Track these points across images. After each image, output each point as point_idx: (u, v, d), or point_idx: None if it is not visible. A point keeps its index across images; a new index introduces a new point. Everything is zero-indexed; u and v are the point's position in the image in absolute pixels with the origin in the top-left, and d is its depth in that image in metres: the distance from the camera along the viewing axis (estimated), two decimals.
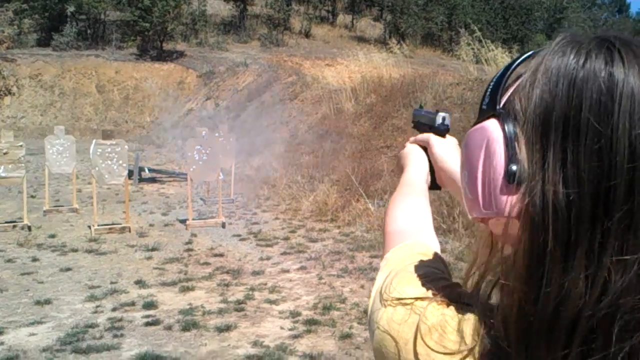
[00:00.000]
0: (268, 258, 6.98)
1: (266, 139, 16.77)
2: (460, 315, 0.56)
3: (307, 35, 30.03)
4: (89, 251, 7.33)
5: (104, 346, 4.34)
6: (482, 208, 0.53)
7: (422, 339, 0.56)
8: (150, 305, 5.28)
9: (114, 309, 5.21)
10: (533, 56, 0.55)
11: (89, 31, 27.93)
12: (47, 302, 5.39)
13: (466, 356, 0.54)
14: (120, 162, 8.55)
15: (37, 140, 20.10)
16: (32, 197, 10.92)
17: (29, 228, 8.53)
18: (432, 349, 0.55)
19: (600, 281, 0.46)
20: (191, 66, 27.03)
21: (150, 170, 13.73)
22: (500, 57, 14.34)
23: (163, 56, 26.92)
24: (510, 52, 16.21)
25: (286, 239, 7.98)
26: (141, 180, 13.32)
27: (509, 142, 0.51)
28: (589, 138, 0.47)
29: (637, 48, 0.50)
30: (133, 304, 5.35)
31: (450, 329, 0.56)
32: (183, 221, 9.14)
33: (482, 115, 0.55)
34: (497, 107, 0.54)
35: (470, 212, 0.57)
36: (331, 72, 22.54)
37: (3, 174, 8.51)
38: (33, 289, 5.81)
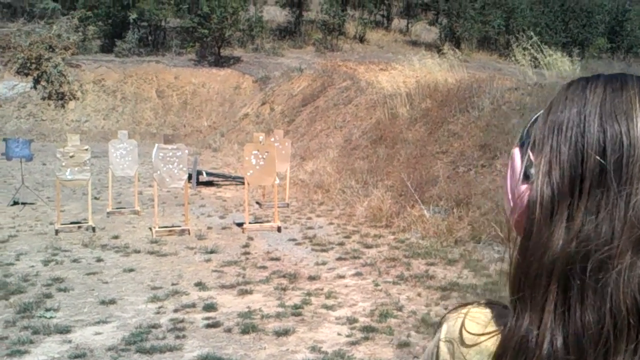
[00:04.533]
0: (324, 263, 7.02)
1: (320, 143, 16.86)
2: (492, 309, 0.72)
3: (362, 40, 30.04)
4: (151, 252, 7.55)
5: (166, 347, 4.47)
6: (512, 207, 0.69)
7: (464, 326, 0.72)
8: (210, 307, 5.40)
9: (175, 310, 5.35)
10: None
11: (149, 38, 28.76)
12: (112, 302, 5.58)
13: (493, 336, 0.69)
14: (181, 166, 8.78)
15: (99, 143, 20.85)
16: (96, 199, 11.32)
17: (93, 229, 8.85)
18: (470, 332, 0.71)
19: (572, 232, 0.61)
20: (247, 71, 27.47)
21: (207, 173, 14.01)
22: (560, 61, 13.99)
23: (220, 62, 27.48)
24: (570, 56, 15.78)
25: (341, 244, 8.01)
26: (199, 183, 13.61)
27: (524, 157, 0.70)
28: (566, 146, 0.64)
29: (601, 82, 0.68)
30: (194, 305, 5.48)
31: (484, 317, 0.72)
32: (240, 224, 9.29)
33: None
34: (520, 140, 0.73)
35: (510, 217, 0.71)
36: (385, 76, 22.46)
37: (69, 177, 8.86)
38: (98, 289, 6.03)
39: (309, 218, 10.03)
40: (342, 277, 6.44)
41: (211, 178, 14.09)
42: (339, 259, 7.23)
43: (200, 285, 6.10)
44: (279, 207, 9.82)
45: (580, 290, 0.60)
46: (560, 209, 0.62)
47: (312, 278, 6.39)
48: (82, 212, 10.11)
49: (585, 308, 0.59)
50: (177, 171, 8.79)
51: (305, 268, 6.82)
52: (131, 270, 6.72)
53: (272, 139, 11.20)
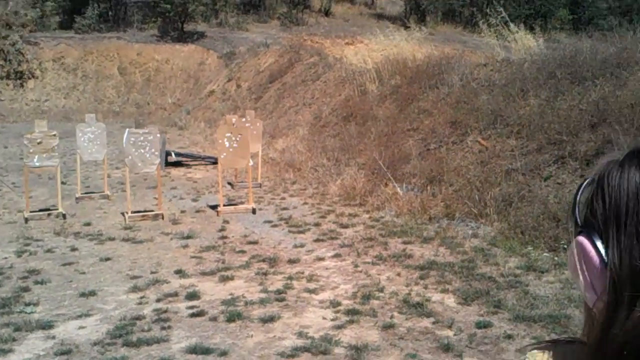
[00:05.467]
0: (302, 245, 7.06)
1: (289, 120, 16.79)
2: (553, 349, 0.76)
3: (327, 13, 29.83)
4: (126, 239, 7.47)
5: (153, 339, 4.46)
6: (592, 292, 0.70)
7: None
8: (193, 295, 5.40)
9: (158, 300, 5.33)
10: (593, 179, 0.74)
11: (110, 13, 28.00)
12: (92, 293, 5.52)
13: None
14: (153, 150, 8.66)
15: (60, 123, 20.31)
16: (63, 183, 11.09)
17: (64, 216, 8.69)
18: None
19: None
20: (212, 47, 27.03)
21: (176, 154, 13.84)
22: (524, 37, 14.11)
23: (184, 37, 26.96)
24: (532, 29, 15.95)
25: (317, 225, 8.05)
26: (168, 164, 13.44)
27: (594, 244, 0.69)
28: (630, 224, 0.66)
29: None
30: (176, 294, 5.46)
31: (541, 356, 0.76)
32: (214, 207, 9.24)
33: (575, 232, 0.73)
34: (580, 224, 0.72)
35: (595, 302, 0.71)
36: (351, 51, 22.37)
37: (37, 163, 8.66)
38: (76, 280, 5.96)
39: (283, 198, 10.04)
40: (321, 259, 6.50)
41: (180, 158, 13.93)
42: (317, 240, 7.27)
43: (180, 273, 6.08)
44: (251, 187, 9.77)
45: None
46: (636, 294, 0.65)
47: (291, 261, 6.42)
48: (50, 198, 9.91)
49: None
50: (149, 155, 8.67)
51: (284, 251, 6.84)
52: (108, 259, 6.64)
53: (244, 119, 11.11)
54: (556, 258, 6.02)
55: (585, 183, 0.74)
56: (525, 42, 13.50)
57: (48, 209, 9.04)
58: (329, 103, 15.65)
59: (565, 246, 6.19)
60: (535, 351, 0.79)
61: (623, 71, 8.70)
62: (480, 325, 4.61)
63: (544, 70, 10.10)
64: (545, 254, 6.19)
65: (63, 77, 25.79)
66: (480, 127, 9.73)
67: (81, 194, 10.16)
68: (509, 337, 4.40)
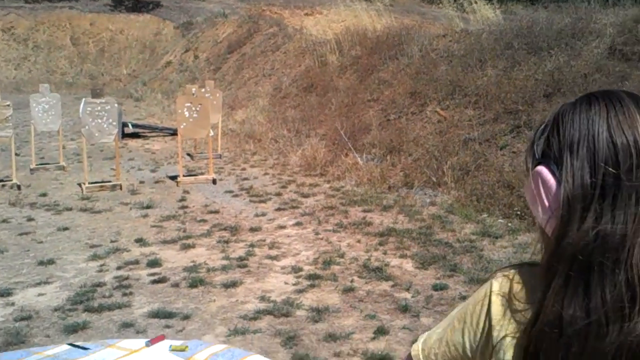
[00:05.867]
0: (263, 214, 7.09)
1: (249, 92, 16.65)
2: (519, 269, 0.88)
3: None
4: (84, 210, 7.37)
5: (115, 304, 4.45)
6: (549, 213, 0.81)
7: (512, 291, 0.85)
8: (154, 263, 5.39)
9: (118, 268, 5.31)
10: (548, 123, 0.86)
11: None
12: (50, 262, 5.46)
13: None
14: (110, 120, 8.50)
15: (11, 94, 19.65)
16: (16, 154, 10.80)
17: (19, 187, 8.50)
18: (517, 299, 0.84)
19: (596, 224, 0.75)
20: (168, 17, 26.47)
21: (133, 125, 13.60)
22: (483, 9, 14.26)
23: (139, 7, 26.29)
24: (490, 2, 16.12)
25: (278, 194, 8.08)
26: (125, 135, 13.21)
27: (552, 170, 0.81)
28: (582, 161, 0.78)
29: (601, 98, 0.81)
30: (137, 262, 5.44)
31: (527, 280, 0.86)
32: (173, 178, 9.17)
33: (533, 165, 0.85)
34: (537, 157, 0.85)
35: (545, 217, 0.83)
36: (311, 21, 22.21)
37: None
38: (33, 249, 5.87)
39: (243, 169, 10.02)
40: (282, 227, 6.55)
41: (138, 130, 13.71)
42: (278, 209, 7.32)
43: (140, 242, 6.05)
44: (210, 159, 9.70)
45: (600, 268, 0.74)
46: (586, 208, 0.76)
47: (253, 229, 6.45)
48: (4, 170, 9.67)
49: (605, 282, 0.73)
50: (107, 125, 8.51)
51: (245, 220, 6.87)
52: (66, 228, 6.55)
53: (203, 90, 10.98)
54: (510, 224, 6.22)
55: (542, 126, 0.87)
56: (484, 13, 13.66)
57: (1, 180, 8.82)
58: (289, 74, 15.57)
59: (518, 212, 6.40)
60: (501, 274, 0.88)
61: (577, 41, 8.92)
62: (436, 288, 4.76)
63: (501, 41, 10.26)
64: (499, 220, 6.38)
65: (13, 47, 24.92)
66: (439, 97, 9.87)
67: (36, 165, 9.93)
68: (464, 298, 4.54)
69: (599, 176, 0.76)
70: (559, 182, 0.79)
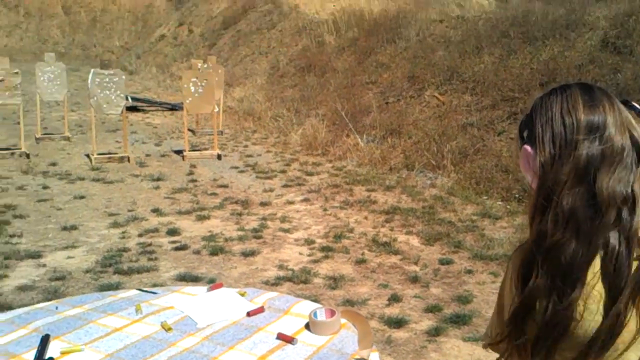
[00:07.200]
0: (271, 190, 7.38)
1: (245, 69, 16.79)
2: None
3: None
4: (96, 180, 7.59)
5: (143, 268, 4.73)
6: (535, 176, 1.12)
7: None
8: (173, 232, 5.66)
9: (140, 235, 5.57)
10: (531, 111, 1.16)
11: None
12: (73, 227, 5.70)
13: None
14: (118, 92, 8.68)
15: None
16: (17, 124, 10.94)
17: (27, 155, 8.67)
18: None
19: (560, 169, 1.07)
20: None
21: (133, 98, 13.72)
22: None
23: None
24: None
25: (283, 172, 8.36)
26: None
27: (533, 148, 1.11)
28: (554, 137, 1.08)
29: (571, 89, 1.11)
30: (157, 230, 5.71)
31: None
32: (178, 152, 9.39)
33: (521, 145, 1.16)
34: (525, 139, 1.15)
35: (532, 180, 1.13)
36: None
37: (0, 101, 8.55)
38: (54, 215, 6.10)
39: (246, 146, 10.27)
40: (291, 202, 6.84)
41: (137, 103, 13.83)
42: (285, 186, 7.60)
43: (157, 212, 6.31)
44: (212, 134, 9.91)
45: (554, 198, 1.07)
46: (551, 168, 1.07)
47: (263, 204, 6.74)
48: (9, 138, 9.82)
49: (556, 208, 1.05)
50: (115, 97, 8.70)
51: (254, 195, 7.15)
52: (82, 197, 6.78)
53: (205, 66, 11.15)
54: (508, 206, 6.58)
55: (524, 115, 1.18)
56: (478, 0, 13.95)
57: (9, 149, 8.97)
58: (286, 53, 15.75)
59: (517, 195, 6.77)
60: None
61: (571, 32, 9.25)
62: (443, 262, 5.10)
63: (497, 29, 10.56)
64: (498, 202, 6.74)
65: (4, 14, 24.65)
66: (437, 82, 10.17)
67: (41, 134, 10.08)
68: (469, 272, 4.90)
69: (556, 145, 1.07)
70: (536, 153, 1.11)
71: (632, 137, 1.06)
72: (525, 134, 1.14)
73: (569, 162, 1.04)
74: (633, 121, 1.09)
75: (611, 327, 1.02)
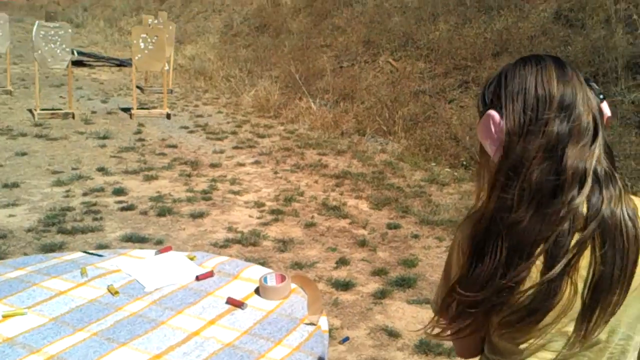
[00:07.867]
0: (221, 151, 7.29)
1: (197, 27, 16.38)
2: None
3: None
4: (39, 136, 7.33)
5: (87, 228, 4.63)
6: (497, 144, 1.11)
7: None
8: (119, 191, 5.54)
9: (84, 194, 5.43)
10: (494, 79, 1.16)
11: None
12: (15, 185, 5.51)
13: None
14: (64, 46, 8.34)
15: None
16: None
17: None
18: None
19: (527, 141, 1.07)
20: None
21: (79, 53, 13.21)
22: None
23: None
24: None
25: (234, 133, 8.26)
26: None
27: (501, 115, 1.10)
28: (520, 105, 1.08)
29: (535, 60, 1.11)
30: (102, 189, 5.58)
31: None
32: (126, 110, 9.15)
33: (484, 109, 1.15)
34: (487, 104, 1.15)
35: (492, 147, 1.12)
36: None
37: None
38: None
39: (196, 106, 10.08)
40: (242, 165, 6.78)
41: (83, 58, 13.34)
42: (235, 147, 7.52)
43: (103, 171, 6.15)
44: (161, 93, 9.69)
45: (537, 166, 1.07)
46: (519, 138, 1.07)
47: (213, 165, 6.66)
48: None
49: (523, 183, 1.06)
50: (60, 51, 8.35)
51: (204, 156, 7.05)
52: (24, 153, 6.55)
53: (156, 22, 10.81)
54: (455, 173, 6.70)
55: (490, 80, 1.17)
56: None
57: None
58: (240, 12, 15.42)
59: (464, 163, 6.89)
60: None
61: (526, 3, 9.35)
62: (390, 227, 5.18)
63: None
64: (446, 169, 6.85)
65: None
66: (392, 48, 10.16)
67: None
68: (416, 236, 5.00)
69: (527, 117, 1.06)
70: (502, 119, 1.10)
71: (594, 117, 1.07)
72: (489, 99, 1.14)
73: (539, 138, 1.04)
74: (593, 101, 1.10)
75: (545, 293, 1.05)
